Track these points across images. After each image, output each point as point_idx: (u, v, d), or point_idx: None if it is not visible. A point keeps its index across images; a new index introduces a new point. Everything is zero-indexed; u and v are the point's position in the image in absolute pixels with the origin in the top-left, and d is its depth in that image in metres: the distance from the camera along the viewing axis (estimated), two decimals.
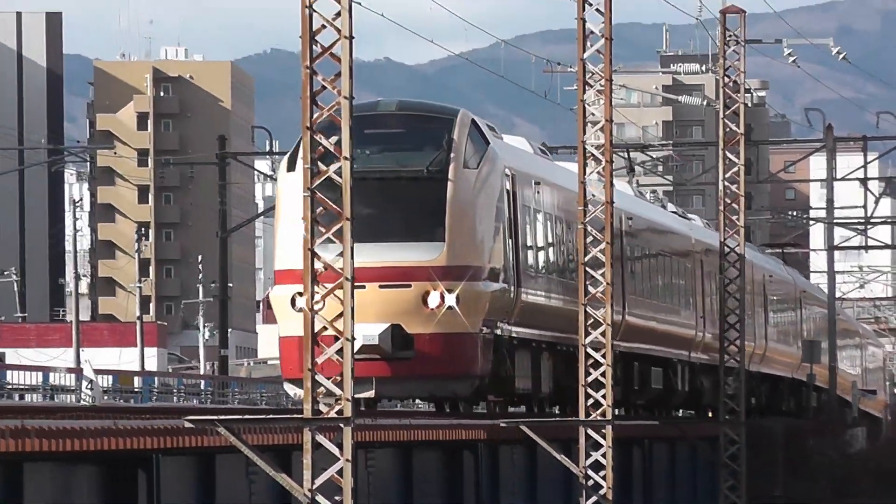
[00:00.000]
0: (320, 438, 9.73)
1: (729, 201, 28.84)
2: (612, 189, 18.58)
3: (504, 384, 18.10)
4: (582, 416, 15.75)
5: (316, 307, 11.61)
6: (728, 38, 28.89)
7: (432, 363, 15.89)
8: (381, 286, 15.88)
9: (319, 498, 9.70)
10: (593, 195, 18.13)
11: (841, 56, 42.23)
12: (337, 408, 9.76)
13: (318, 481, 9.67)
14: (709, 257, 29.86)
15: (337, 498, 9.69)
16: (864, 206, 49.50)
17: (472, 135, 17.03)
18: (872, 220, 51.03)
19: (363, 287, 15.02)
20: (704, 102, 59.64)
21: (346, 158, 9.55)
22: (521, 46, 47.84)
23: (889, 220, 60.03)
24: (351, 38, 9.33)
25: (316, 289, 10.44)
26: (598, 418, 15.06)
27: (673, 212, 31.58)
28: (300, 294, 14.06)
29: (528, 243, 19.02)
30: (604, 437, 16.81)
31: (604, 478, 16.93)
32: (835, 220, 46.88)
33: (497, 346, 17.49)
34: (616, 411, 20.27)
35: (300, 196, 13.49)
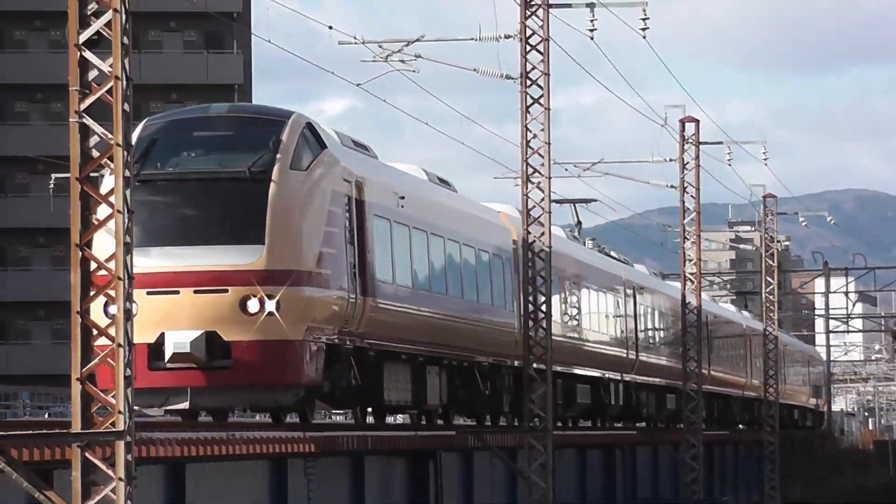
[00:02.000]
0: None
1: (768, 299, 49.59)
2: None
3: (353, 394, 17.69)
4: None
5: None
6: (768, 216, 48.67)
7: (252, 372, 14.93)
8: (195, 291, 14.95)
9: None
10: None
11: (832, 222, 65.65)
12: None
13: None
14: (642, 295, 35.43)
15: None
16: (847, 307, 79.52)
17: (305, 137, 16.12)
18: (851, 315, 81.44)
19: (177, 293, 14.83)
20: (754, 248, 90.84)
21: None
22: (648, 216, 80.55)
23: (862, 316, 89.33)
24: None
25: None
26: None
27: (620, 259, 36.45)
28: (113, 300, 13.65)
29: (384, 254, 18.45)
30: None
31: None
32: (830, 315, 77.69)
33: (336, 354, 16.67)
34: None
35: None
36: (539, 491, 21.91)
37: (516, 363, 23.83)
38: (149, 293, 14.49)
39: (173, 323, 14.81)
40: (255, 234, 15.18)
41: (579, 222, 34.51)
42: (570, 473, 28.26)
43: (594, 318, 30.75)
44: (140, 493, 9.51)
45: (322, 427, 19.63)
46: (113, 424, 8.79)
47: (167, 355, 14.66)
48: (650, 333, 36.91)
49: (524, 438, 22.41)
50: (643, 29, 24.35)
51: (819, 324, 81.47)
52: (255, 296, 14.90)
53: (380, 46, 24.26)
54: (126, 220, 8.84)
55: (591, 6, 23.14)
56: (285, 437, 15.13)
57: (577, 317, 29.25)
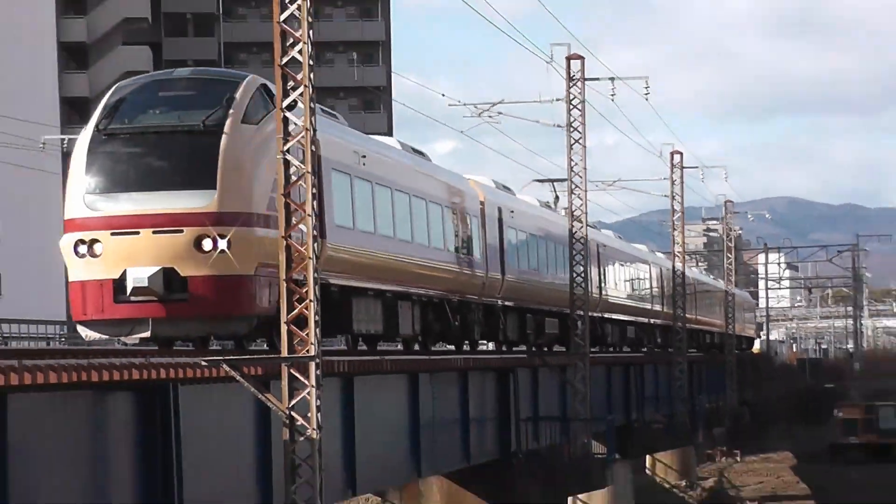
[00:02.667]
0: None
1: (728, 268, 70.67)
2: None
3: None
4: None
5: (94, 255, 15.28)
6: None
7: (207, 304, 15.93)
8: (154, 232, 15.94)
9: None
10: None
11: (770, 218, 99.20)
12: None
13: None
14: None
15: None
16: (779, 273, 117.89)
17: (259, 96, 17.32)
18: (782, 278, 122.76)
19: (138, 233, 15.97)
20: (719, 235, 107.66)
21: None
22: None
23: (789, 278, 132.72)
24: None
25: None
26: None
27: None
28: (82, 241, 15.94)
29: (344, 203, 19.94)
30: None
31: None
32: (769, 278, 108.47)
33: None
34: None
35: (83, 152, 16.23)
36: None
37: (483, 300, 27.81)
38: (113, 234, 15.95)
39: (135, 261, 15.83)
40: (208, 180, 16.10)
41: (557, 197, 40.90)
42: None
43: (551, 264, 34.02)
44: (324, 396, 14.28)
45: (434, 353, 25.37)
46: (308, 351, 13.83)
47: (129, 289, 15.74)
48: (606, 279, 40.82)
49: (573, 358, 30.81)
50: (646, 95, 38.31)
51: (761, 284, 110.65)
52: (208, 235, 15.87)
53: (475, 106, 36.96)
54: (313, 222, 13.86)
55: (612, 79, 36.47)
56: (414, 359, 20.76)
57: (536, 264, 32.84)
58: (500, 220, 29.29)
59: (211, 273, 15.88)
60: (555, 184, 41.49)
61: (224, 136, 16.22)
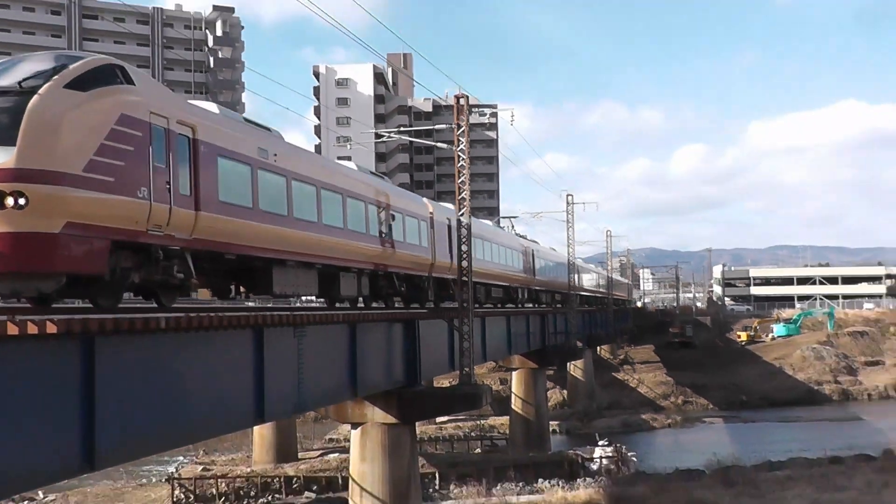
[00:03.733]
0: None
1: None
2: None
3: (180, 285, 20.11)
4: None
5: None
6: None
7: (9, 260, 15.45)
8: None
9: None
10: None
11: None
12: None
13: None
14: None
15: None
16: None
17: (101, 71, 17.35)
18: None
19: None
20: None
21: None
22: None
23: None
24: None
25: None
26: None
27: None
28: None
29: (219, 180, 20.62)
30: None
31: None
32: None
33: (148, 251, 18.36)
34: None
35: None
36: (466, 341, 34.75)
37: (422, 274, 35.70)
38: None
39: None
40: (11, 138, 15.53)
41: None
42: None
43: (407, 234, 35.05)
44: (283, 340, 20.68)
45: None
46: None
47: None
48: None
49: (464, 313, 34.83)
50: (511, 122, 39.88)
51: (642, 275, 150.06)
52: (8, 192, 15.31)
53: None
54: None
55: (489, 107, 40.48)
56: (353, 313, 27.78)
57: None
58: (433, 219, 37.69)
59: (10, 230, 15.37)
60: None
61: (36, 97, 15.88)
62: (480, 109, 39.87)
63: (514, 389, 64.72)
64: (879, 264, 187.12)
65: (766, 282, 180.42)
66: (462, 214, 35.48)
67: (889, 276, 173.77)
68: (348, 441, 38.94)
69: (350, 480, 33.78)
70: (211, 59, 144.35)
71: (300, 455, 56.87)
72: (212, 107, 22.55)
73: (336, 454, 55.12)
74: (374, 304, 34.56)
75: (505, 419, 69.75)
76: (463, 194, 35.28)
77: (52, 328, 13.51)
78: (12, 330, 13.03)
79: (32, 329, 13.23)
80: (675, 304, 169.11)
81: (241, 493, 49.07)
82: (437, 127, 67.10)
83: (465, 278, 35.08)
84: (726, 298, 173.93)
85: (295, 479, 50.07)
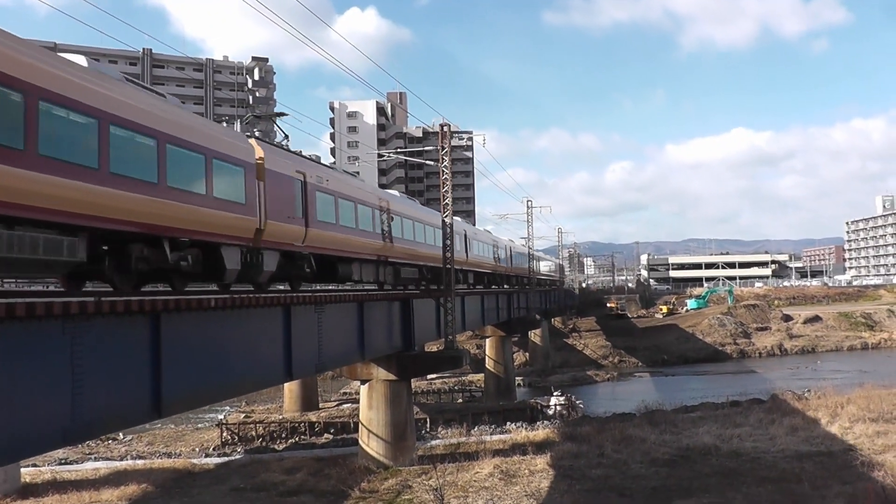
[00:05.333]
0: None
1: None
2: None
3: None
4: None
5: None
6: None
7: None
8: None
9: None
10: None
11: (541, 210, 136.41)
12: None
13: None
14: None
15: None
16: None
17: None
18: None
19: None
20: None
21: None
22: None
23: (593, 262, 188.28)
24: None
25: None
26: None
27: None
28: None
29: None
30: None
31: None
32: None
33: None
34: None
35: None
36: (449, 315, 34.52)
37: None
38: None
39: None
40: None
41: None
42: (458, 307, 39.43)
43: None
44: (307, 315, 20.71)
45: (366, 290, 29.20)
46: None
47: None
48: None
49: (448, 293, 34.27)
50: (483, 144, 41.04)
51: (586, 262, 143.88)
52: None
53: None
54: None
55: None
56: (358, 293, 26.90)
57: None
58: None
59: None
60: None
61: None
62: (459, 134, 40.39)
63: (487, 352, 64.96)
64: (766, 253, 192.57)
65: (681, 267, 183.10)
66: (446, 216, 35.26)
67: (773, 262, 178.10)
68: (358, 394, 38.83)
69: (360, 424, 33.72)
70: (250, 97, 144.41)
71: (321, 405, 56.82)
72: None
73: (349, 404, 55.16)
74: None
75: (480, 376, 69.84)
76: (447, 201, 35.47)
77: (127, 307, 13.56)
78: (102, 308, 13.12)
79: (118, 307, 13.29)
80: (611, 285, 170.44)
81: (275, 435, 49.17)
82: (426, 148, 67.43)
83: (448, 266, 34.86)
84: (651, 280, 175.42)
85: (316, 423, 50.06)
